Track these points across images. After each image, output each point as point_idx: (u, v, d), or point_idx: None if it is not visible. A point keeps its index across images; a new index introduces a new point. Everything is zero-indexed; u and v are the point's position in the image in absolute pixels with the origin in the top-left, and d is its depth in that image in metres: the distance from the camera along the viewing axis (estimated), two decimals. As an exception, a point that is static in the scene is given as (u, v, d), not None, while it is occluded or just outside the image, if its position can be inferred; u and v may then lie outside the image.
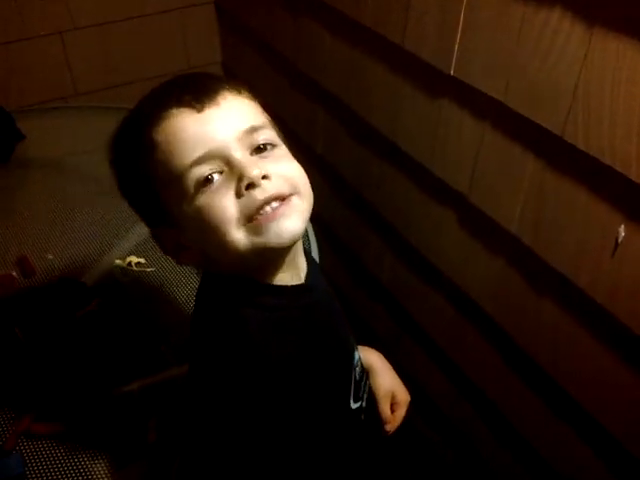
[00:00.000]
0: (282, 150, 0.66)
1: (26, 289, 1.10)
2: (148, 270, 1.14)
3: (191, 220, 0.62)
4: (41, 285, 1.11)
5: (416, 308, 1.23)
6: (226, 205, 0.60)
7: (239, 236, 0.60)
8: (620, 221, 0.73)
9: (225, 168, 0.61)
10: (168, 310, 1.08)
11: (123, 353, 0.99)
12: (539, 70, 0.77)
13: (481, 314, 1.02)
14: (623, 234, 0.73)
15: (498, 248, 0.96)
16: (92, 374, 0.96)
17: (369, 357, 0.86)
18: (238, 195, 0.60)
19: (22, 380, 0.96)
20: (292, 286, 0.68)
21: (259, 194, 0.60)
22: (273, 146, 0.65)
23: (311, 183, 0.65)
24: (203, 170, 0.60)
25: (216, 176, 0.61)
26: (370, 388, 0.84)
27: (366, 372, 0.83)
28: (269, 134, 0.65)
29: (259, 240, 0.60)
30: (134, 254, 1.16)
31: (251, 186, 0.60)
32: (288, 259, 0.68)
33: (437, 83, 0.96)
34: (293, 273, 0.69)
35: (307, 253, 0.75)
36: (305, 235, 1.04)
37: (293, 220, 0.61)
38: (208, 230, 0.61)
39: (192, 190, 0.61)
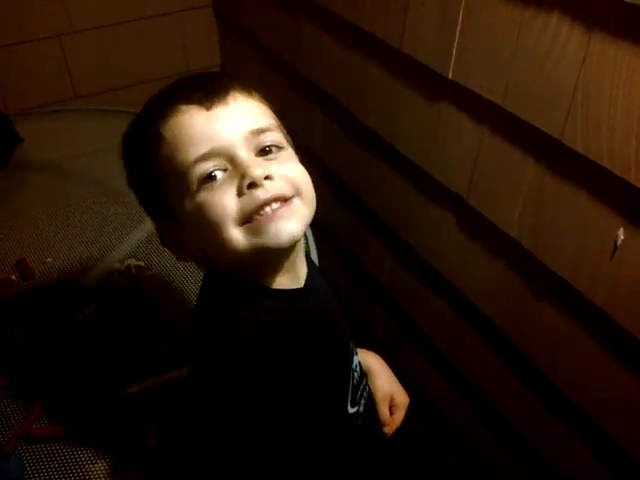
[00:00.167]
0: (288, 153, 0.66)
1: (25, 292, 1.10)
2: (147, 273, 1.14)
3: (191, 216, 0.63)
4: (40, 288, 1.11)
5: (415, 311, 1.23)
6: (226, 203, 0.60)
7: (237, 235, 0.60)
8: (619, 224, 0.73)
9: (229, 166, 0.61)
10: (167, 313, 1.08)
11: (122, 356, 0.99)
12: (538, 73, 0.77)
13: (480, 317, 1.02)
14: (622, 237, 0.73)
15: (497, 251, 0.96)
16: (91, 377, 0.96)
17: (368, 359, 0.86)
18: (239, 194, 0.60)
19: (20, 383, 0.96)
20: (291, 290, 0.68)
21: (261, 194, 0.60)
22: (279, 149, 0.65)
23: (309, 184, 0.65)
24: (207, 167, 0.61)
25: (219, 174, 0.61)
26: (369, 393, 0.83)
27: (365, 377, 0.83)
28: (276, 136, 0.65)
29: (257, 240, 0.60)
30: (133, 257, 1.16)
31: (253, 185, 0.60)
32: (287, 262, 0.67)
33: (435, 86, 0.97)
34: (292, 276, 0.69)
35: (306, 256, 0.75)
36: (304, 237, 1.04)
37: (292, 222, 0.61)
38: (207, 227, 0.61)
39: (194, 186, 0.61)
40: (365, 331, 1.40)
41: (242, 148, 0.62)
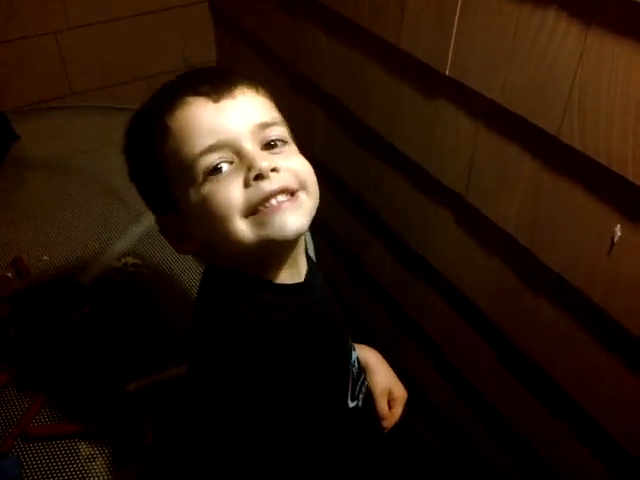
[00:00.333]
0: (292, 148, 0.67)
1: (25, 290, 1.10)
2: (144, 271, 1.14)
3: (196, 208, 0.63)
4: (36, 286, 1.11)
5: (414, 309, 1.23)
6: (232, 194, 0.61)
7: (243, 227, 0.61)
8: (616, 221, 0.73)
9: (235, 159, 0.62)
10: (164, 310, 1.08)
11: (119, 354, 0.99)
12: (535, 70, 0.77)
13: (478, 313, 1.02)
14: (619, 234, 0.73)
15: (495, 247, 0.96)
16: (88, 375, 0.96)
17: (366, 355, 0.86)
18: (246, 185, 0.61)
19: (17, 381, 0.96)
20: (291, 284, 0.69)
21: (267, 185, 0.61)
22: (284, 143, 0.66)
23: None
24: (213, 159, 0.61)
25: (225, 165, 0.62)
26: (368, 388, 0.84)
27: (363, 372, 0.83)
28: (281, 131, 0.66)
29: (262, 232, 0.61)
30: (130, 255, 1.16)
31: (260, 177, 0.60)
32: (289, 257, 0.68)
33: (433, 83, 0.96)
34: (293, 272, 0.69)
35: (305, 252, 0.75)
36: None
37: (298, 215, 0.62)
38: (212, 218, 0.61)
39: (200, 177, 0.62)
40: (365, 329, 1.40)
41: (248, 141, 0.62)
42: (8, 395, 0.94)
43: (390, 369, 0.88)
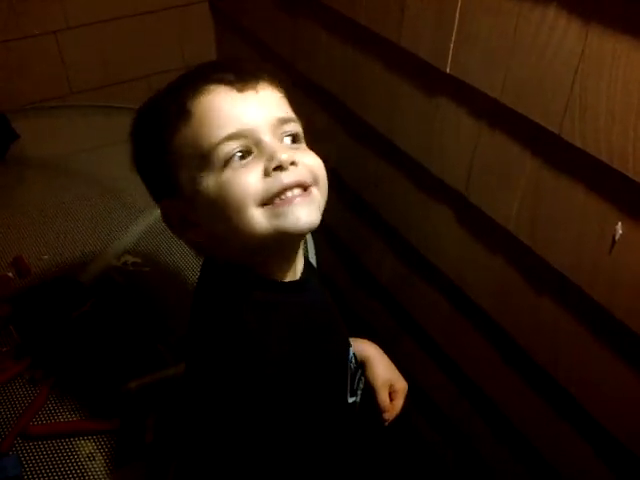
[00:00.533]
0: (304, 145, 0.69)
1: (22, 289, 1.10)
2: (144, 269, 1.13)
3: (211, 195, 0.63)
4: (37, 285, 1.11)
5: (415, 307, 1.23)
6: (251, 182, 0.61)
7: (258, 216, 0.61)
8: (618, 218, 0.73)
9: (254, 149, 0.63)
10: (164, 309, 1.08)
11: (119, 353, 0.99)
12: (535, 67, 0.77)
13: (479, 312, 1.02)
14: (620, 231, 0.73)
15: (496, 246, 0.96)
16: (89, 374, 0.96)
17: (365, 348, 0.87)
18: (266, 174, 0.62)
19: (17, 380, 0.96)
20: (290, 282, 0.69)
21: (285, 177, 0.62)
22: (299, 139, 0.67)
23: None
24: (234, 146, 0.62)
25: (245, 154, 0.63)
26: (366, 383, 0.84)
27: (361, 366, 0.84)
28: (298, 128, 0.68)
29: (277, 223, 0.61)
30: (130, 253, 1.16)
31: (279, 168, 0.62)
32: (293, 253, 0.69)
33: (434, 81, 0.96)
34: (293, 269, 0.70)
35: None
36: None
37: (312, 210, 0.63)
38: (228, 206, 0.62)
39: (220, 163, 0.62)
40: (365, 328, 1.40)
41: (268, 134, 0.63)
42: (9, 393, 0.94)
43: (390, 362, 0.88)
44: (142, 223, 1.23)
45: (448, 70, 0.90)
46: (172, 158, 0.65)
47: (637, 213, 0.71)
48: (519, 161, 0.85)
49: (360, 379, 0.82)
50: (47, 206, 1.28)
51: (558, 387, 0.89)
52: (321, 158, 0.67)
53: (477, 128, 0.91)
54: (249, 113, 0.63)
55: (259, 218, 0.61)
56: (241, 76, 0.65)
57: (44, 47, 1.54)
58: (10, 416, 0.90)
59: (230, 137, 0.62)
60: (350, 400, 0.76)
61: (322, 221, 0.65)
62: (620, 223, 0.73)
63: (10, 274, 1.13)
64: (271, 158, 0.62)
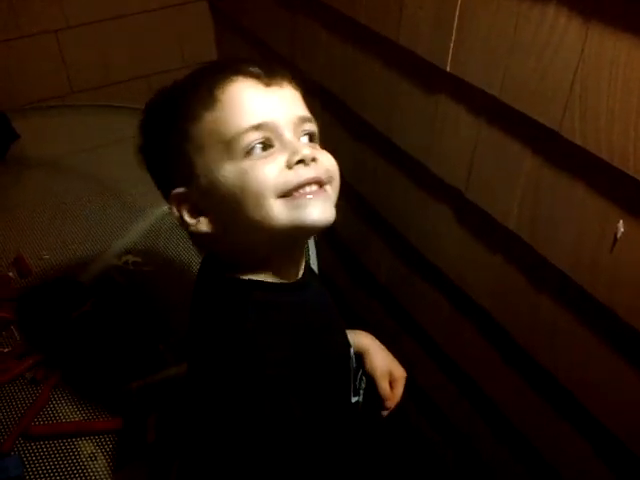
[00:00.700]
0: (319, 145, 0.70)
1: (24, 290, 1.10)
2: (144, 269, 1.13)
3: (228, 182, 0.63)
4: (37, 285, 1.11)
5: (414, 306, 1.23)
6: (273, 172, 0.62)
7: (278, 206, 0.62)
8: (619, 216, 0.72)
9: (276, 143, 0.64)
10: (165, 309, 1.08)
11: (121, 353, 0.99)
12: (535, 65, 0.77)
13: (479, 310, 1.02)
14: (622, 229, 0.72)
15: (496, 244, 0.96)
16: (91, 374, 0.96)
17: (361, 340, 0.87)
18: (288, 166, 0.63)
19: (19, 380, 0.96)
20: (292, 283, 0.70)
21: (306, 172, 0.63)
22: (315, 139, 0.69)
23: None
24: (257, 136, 0.63)
25: (267, 146, 0.64)
26: (368, 383, 0.85)
27: (360, 360, 0.84)
28: (315, 128, 0.69)
29: (296, 215, 0.62)
30: (130, 253, 1.16)
31: (301, 162, 0.63)
32: (296, 254, 0.70)
33: (433, 79, 0.96)
34: (296, 268, 0.71)
35: None
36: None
37: (328, 206, 0.65)
38: (246, 194, 0.62)
39: (241, 152, 0.63)
40: (364, 326, 1.40)
41: (290, 130, 0.65)
42: (11, 393, 0.94)
43: (387, 350, 0.89)
44: (143, 222, 1.23)
45: (448, 68, 0.90)
46: (191, 145, 0.65)
47: (638, 211, 0.71)
48: (519, 159, 0.84)
49: (362, 378, 0.83)
50: (48, 206, 1.28)
51: (558, 386, 0.89)
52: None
53: (477, 126, 0.91)
54: (273, 107, 0.65)
55: (278, 209, 0.62)
56: (268, 72, 0.66)
57: (44, 46, 1.54)
58: (12, 416, 0.91)
59: (256, 127, 0.63)
60: (353, 399, 0.77)
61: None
62: (621, 221, 0.72)
63: (11, 274, 1.13)
64: (294, 152, 0.63)
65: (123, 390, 0.94)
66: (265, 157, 0.63)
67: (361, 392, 0.81)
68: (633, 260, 0.73)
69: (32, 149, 1.41)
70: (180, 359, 0.98)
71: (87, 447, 0.88)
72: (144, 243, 1.19)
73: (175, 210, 0.68)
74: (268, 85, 0.65)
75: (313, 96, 1.33)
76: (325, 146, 0.70)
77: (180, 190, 0.67)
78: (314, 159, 0.64)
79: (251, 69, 0.65)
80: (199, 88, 0.65)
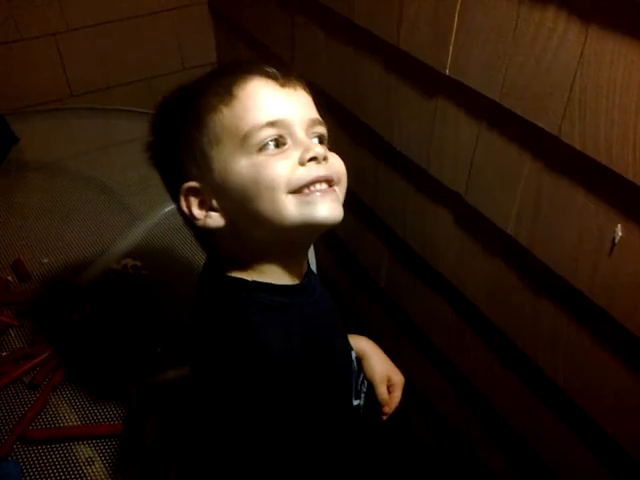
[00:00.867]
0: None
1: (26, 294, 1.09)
2: (144, 273, 1.13)
3: (242, 175, 0.64)
4: (37, 289, 1.11)
5: (414, 309, 1.23)
6: (285, 167, 0.64)
7: (289, 202, 0.63)
8: (617, 221, 0.72)
9: (289, 141, 0.66)
10: (164, 312, 1.08)
11: (119, 356, 0.99)
12: (535, 69, 0.77)
13: (478, 314, 1.02)
14: (620, 234, 0.72)
15: (495, 248, 0.96)
16: (89, 377, 0.96)
17: (361, 344, 0.88)
18: (301, 163, 0.64)
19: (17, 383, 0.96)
20: (295, 285, 0.70)
21: (318, 170, 0.65)
22: (325, 142, 0.71)
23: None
24: (272, 133, 0.65)
25: (281, 143, 0.65)
26: (369, 388, 0.85)
27: (362, 370, 0.84)
28: (325, 131, 0.71)
29: (306, 211, 0.63)
30: (129, 257, 1.16)
31: (314, 159, 0.65)
32: (300, 255, 0.71)
33: (433, 83, 0.96)
34: (299, 271, 0.71)
35: None
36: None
37: (337, 205, 0.66)
38: (259, 187, 0.63)
39: (255, 147, 0.64)
40: (363, 330, 1.40)
41: (303, 130, 0.67)
42: (8, 397, 0.94)
43: (385, 355, 0.89)
44: (142, 226, 1.23)
45: (447, 72, 0.90)
46: (208, 138, 0.66)
47: (637, 215, 0.71)
48: (518, 163, 0.84)
49: (363, 382, 0.83)
50: (47, 209, 1.28)
51: (558, 390, 0.89)
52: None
53: (476, 130, 0.91)
54: (288, 106, 0.67)
55: (289, 204, 0.63)
56: (284, 74, 0.68)
57: (43, 49, 1.54)
58: (9, 420, 0.90)
59: (271, 123, 0.64)
60: (355, 403, 0.77)
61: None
62: (620, 225, 0.72)
63: (10, 278, 1.13)
64: (307, 149, 0.64)
65: (122, 393, 0.94)
66: (278, 153, 0.65)
67: (362, 395, 0.81)
68: (631, 264, 0.73)
69: (31, 152, 1.41)
70: (179, 362, 0.98)
71: (85, 451, 0.88)
72: (143, 247, 1.19)
73: (184, 204, 0.68)
74: (283, 86, 0.68)
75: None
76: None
77: (192, 184, 0.67)
78: (325, 158, 0.66)
79: (268, 70, 0.68)
80: (218, 85, 0.67)
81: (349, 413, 0.77)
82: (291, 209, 0.63)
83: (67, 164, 1.38)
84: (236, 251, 0.68)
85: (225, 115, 0.65)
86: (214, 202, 0.67)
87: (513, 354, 0.97)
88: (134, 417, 0.92)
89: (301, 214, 0.63)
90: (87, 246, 1.20)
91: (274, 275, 0.68)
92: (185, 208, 0.68)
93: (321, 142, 0.70)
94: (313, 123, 0.69)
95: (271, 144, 0.65)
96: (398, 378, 0.88)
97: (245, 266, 0.68)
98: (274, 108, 0.66)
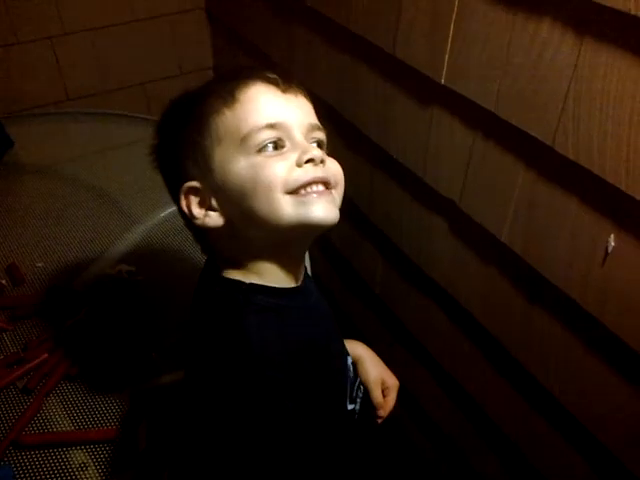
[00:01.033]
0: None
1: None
2: (138, 278, 1.13)
3: (241, 175, 0.65)
4: (31, 293, 1.10)
5: (408, 316, 1.23)
6: (282, 168, 0.65)
7: (286, 203, 0.64)
8: (610, 231, 0.73)
9: (287, 144, 0.67)
10: (158, 317, 1.08)
11: (114, 361, 0.99)
12: (529, 80, 0.77)
13: (472, 322, 1.02)
14: (613, 244, 0.73)
15: (489, 256, 0.96)
16: (83, 382, 0.96)
17: (355, 348, 0.88)
18: (298, 164, 0.65)
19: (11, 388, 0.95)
20: (291, 288, 0.71)
21: (314, 171, 0.66)
22: (324, 148, 0.72)
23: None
24: (271, 135, 0.66)
25: (280, 145, 0.67)
26: (365, 392, 0.85)
27: (358, 376, 0.84)
28: (324, 137, 0.72)
29: (303, 211, 0.64)
30: (124, 262, 1.16)
31: (311, 161, 0.66)
32: (298, 257, 0.72)
33: (428, 92, 0.97)
34: (295, 274, 0.71)
35: None
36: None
37: (333, 207, 0.67)
38: (257, 187, 0.64)
39: (255, 148, 0.65)
40: (357, 336, 1.40)
41: (302, 133, 0.68)
42: (1, 401, 0.93)
43: (380, 360, 0.90)
44: (137, 232, 1.23)
45: (443, 81, 0.91)
46: (210, 138, 0.67)
47: (629, 225, 0.71)
48: (513, 172, 0.85)
49: (359, 388, 0.83)
50: (41, 213, 1.28)
51: (550, 397, 0.89)
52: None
53: (471, 139, 0.91)
54: (288, 110, 0.68)
55: (286, 205, 0.64)
56: (285, 81, 0.70)
57: (40, 53, 1.54)
58: (3, 425, 0.90)
59: (271, 126, 0.66)
60: (349, 407, 0.78)
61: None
62: (612, 235, 0.73)
63: (4, 282, 1.12)
64: (305, 151, 0.66)
65: (117, 398, 0.94)
66: (279, 154, 0.66)
67: (358, 400, 0.82)
68: (624, 274, 0.73)
69: (27, 156, 1.41)
70: (173, 367, 0.98)
71: (78, 457, 0.88)
72: (138, 252, 1.19)
73: (184, 203, 0.69)
74: (285, 92, 0.69)
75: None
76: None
77: (192, 183, 0.68)
78: (323, 161, 0.67)
79: (270, 76, 0.69)
80: (221, 89, 0.69)
81: (343, 417, 0.77)
82: (287, 209, 0.64)
83: (63, 168, 1.38)
84: (234, 252, 0.69)
85: (227, 117, 0.67)
86: (213, 201, 0.68)
87: (506, 361, 0.97)
88: (128, 422, 0.92)
89: (297, 214, 0.64)
90: (82, 251, 1.19)
91: (271, 277, 0.69)
92: (185, 207, 0.69)
93: (320, 147, 0.71)
94: (312, 128, 0.70)
95: (270, 146, 0.66)
96: (392, 382, 0.89)
97: (242, 267, 0.69)
98: (274, 111, 0.67)
